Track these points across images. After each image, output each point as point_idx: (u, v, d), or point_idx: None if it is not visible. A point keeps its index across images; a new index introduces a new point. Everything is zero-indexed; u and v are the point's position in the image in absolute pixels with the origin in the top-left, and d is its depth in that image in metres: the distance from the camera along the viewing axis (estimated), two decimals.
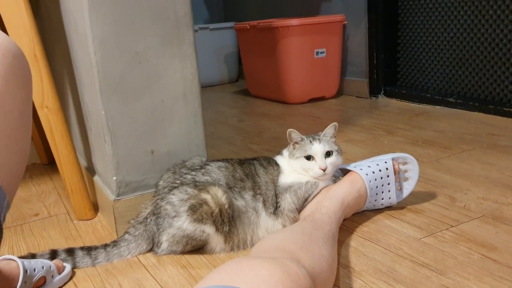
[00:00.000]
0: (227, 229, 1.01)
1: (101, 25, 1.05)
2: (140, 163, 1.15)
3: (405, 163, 1.19)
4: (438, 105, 2.28)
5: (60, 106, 1.22)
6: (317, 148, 1.10)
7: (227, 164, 1.11)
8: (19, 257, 0.92)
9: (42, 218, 1.31)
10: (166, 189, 1.06)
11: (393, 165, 1.16)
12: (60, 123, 1.22)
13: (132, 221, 1.08)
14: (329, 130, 1.13)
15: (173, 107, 1.17)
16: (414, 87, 2.50)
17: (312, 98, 2.63)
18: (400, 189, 1.19)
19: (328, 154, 1.10)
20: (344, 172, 1.20)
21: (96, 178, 1.31)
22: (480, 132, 1.81)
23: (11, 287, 0.87)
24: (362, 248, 1.03)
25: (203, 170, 1.08)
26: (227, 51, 3.45)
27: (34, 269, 0.91)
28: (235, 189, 1.07)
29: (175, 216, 1.01)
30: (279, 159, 1.16)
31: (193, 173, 1.08)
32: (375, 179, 1.14)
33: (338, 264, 0.96)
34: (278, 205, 1.09)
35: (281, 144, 1.92)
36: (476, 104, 2.12)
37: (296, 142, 1.13)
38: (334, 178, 1.20)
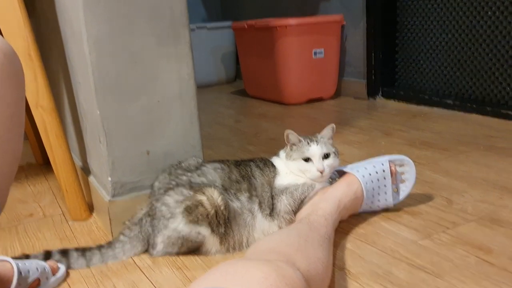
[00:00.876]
0: (222, 231, 1.01)
1: (96, 24, 1.04)
2: (135, 164, 1.15)
3: (401, 165, 1.18)
4: (435, 107, 2.28)
5: (55, 106, 1.21)
6: (315, 150, 1.09)
7: (223, 165, 1.10)
8: (13, 258, 0.91)
9: (37, 218, 1.30)
10: (161, 190, 1.05)
11: (390, 167, 1.15)
12: (55, 123, 1.21)
13: (127, 222, 1.07)
14: (327, 131, 1.13)
15: (169, 107, 1.16)
16: (412, 88, 2.50)
17: (310, 99, 2.62)
18: (397, 191, 1.18)
19: (325, 156, 1.10)
20: (341, 173, 1.19)
21: (91, 178, 1.30)
22: (477, 134, 1.80)
23: None
24: (358, 250, 1.02)
25: (198, 172, 1.07)
26: (224, 50, 3.44)
27: (29, 271, 0.90)
28: (231, 190, 1.06)
29: (170, 218, 1.00)
30: (275, 160, 1.16)
31: (189, 174, 1.07)
32: (372, 181, 1.13)
33: (333, 267, 0.95)
34: (274, 206, 1.09)
35: (278, 145, 1.89)
36: (474, 105, 2.11)
37: (294, 144, 1.12)
38: (331, 180, 1.19)
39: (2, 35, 0.98)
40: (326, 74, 2.63)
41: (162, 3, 1.10)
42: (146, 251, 1.05)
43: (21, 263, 0.90)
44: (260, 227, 1.07)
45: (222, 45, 3.42)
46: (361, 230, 1.11)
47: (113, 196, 1.13)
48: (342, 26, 2.62)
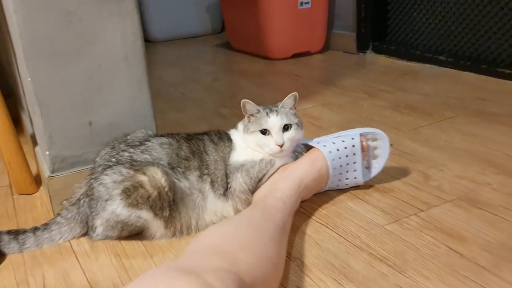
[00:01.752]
0: (167, 214, 0.91)
1: None
2: (76, 136, 1.03)
3: (375, 139, 1.07)
4: (427, 63, 2.12)
5: None
6: (274, 121, 0.97)
7: (171, 140, 0.99)
8: None
9: None
10: (100, 168, 0.95)
11: (361, 141, 1.04)
12: None
13: (65, 202, 0.97)
14: (288, 100, 1.01)
15: (113, 72, 1.03)
16: (403, 43, 2.33)
17: (296, 53, 2.46)
18: (368, 167, 1.07)
19: (286, 128, 0.98)
20: (308, 148, 1.08)
21: (37, 149, 1.20)
22: (467, 96, 1.67)
23: None
24: (316, 235, 0.93)
25: (142, 148, 0.96)
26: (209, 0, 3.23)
27: None
28: (179, 169, 0.95)
29: (108, 200, 0.90)
30: (233, 133, 1.04)
31: (131, 150, 0.96)
32: (339, 157, 1.02)
33: (288, 257, 0.86)
34: (229, 185, 0.98)
35: None
36: (468, 63, 1.97)
37: (252, 115, 1.00)
38: (297, 154, 1.08)
39: None
40: (313, 26, 2.45)
41: None
42: (86, 233, 0.96)
43: None
44: (212, 208, 0.97)
45: None
46: (324, 210, 1.02)
47: (53, 171, 1.03)
48: None
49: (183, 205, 0.93)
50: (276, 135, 0.97)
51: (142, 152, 0.95)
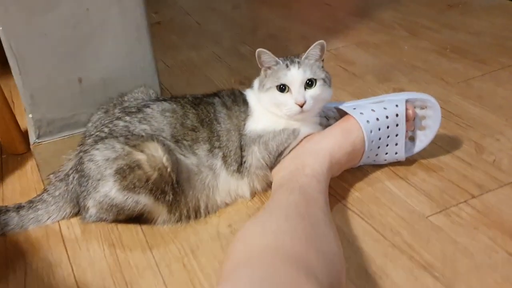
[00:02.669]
0: (170, 199, 0.76)
1: None
2: (64, 96, 0.87)
3: (424, 107, 0.87)
4: None
5: None
6: (295, 75, 0.78)
7: (175, 106, 0.82)
8: None
9: None
10: (91, 139, 0.79)
11: (407, 109, 0.85)
12: None
13: (51, 176, 0.83)
14: (313, 50, 0.80)
15: (104, 18, 0.84)
16: None
17: None
18: (412, 139, 0.89)
19: (309, 83, 0.79)
20: (342, 113, 0.89)
21: None
22: None
23: None
24: (347, 228, 0.77)
25: (140, 116, 0.80)
26: None
27: None
28: (184, 142, 0.79)
29: (100, 179, 0.75)
30: (249, 94, 0.86)
31: (127, 118, 0.79)
32: (379, 129, 0.84)
33: None
34: (244, 160, 0.82)
35: (277, 46, 1.56)
36: None
37: (269, 67, 0.81)
38: (328, 119, 0.91)
39: None
40: None
41: None
42: (77, 213, 0.83)
43: None
44: (225, 188, 0.82)
45: None
46: (357, 192, 0.85)
47: (39, 136, 0.88)
48: None
49: (189, 186, 0.78)
50: (297, 92, 0.78)
51: (140, 121, 0.79)
